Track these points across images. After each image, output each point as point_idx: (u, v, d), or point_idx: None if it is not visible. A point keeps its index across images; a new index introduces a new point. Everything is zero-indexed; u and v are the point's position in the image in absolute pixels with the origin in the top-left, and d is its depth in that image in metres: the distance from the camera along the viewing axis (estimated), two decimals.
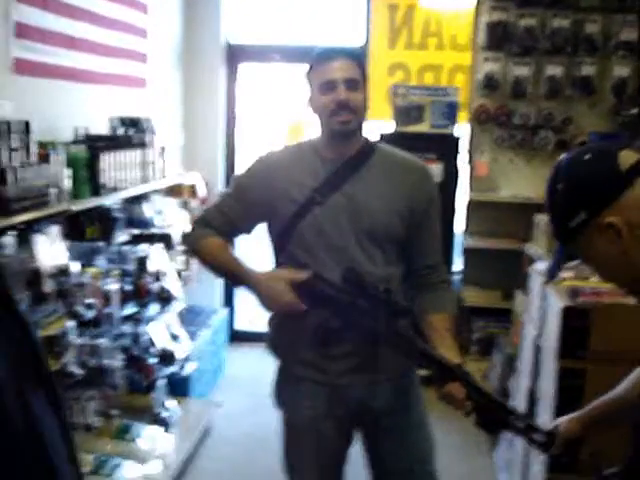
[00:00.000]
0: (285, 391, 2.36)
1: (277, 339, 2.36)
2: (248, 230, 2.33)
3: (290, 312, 2.12)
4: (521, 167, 5.20)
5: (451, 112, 5.02)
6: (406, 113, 5.01)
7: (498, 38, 5.04)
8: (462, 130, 5.18)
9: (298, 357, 2.27)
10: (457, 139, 5.07)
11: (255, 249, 5.09)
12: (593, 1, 4.91)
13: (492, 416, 1.95)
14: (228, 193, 2.33)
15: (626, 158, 1.43)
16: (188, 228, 2.40)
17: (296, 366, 2.29)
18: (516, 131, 5.12)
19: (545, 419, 3.04)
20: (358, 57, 2.24)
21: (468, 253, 5.27)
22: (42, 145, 2.77)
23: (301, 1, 5.75)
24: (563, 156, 1.55)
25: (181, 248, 4.37)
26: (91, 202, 3.08)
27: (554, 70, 5.00)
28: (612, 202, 1.41)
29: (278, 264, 2.30)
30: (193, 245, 2.30)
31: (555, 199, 1.51)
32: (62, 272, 2.83)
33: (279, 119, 6.24)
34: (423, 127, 5.01)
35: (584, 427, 1.92)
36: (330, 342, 2.19)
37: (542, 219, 4.38)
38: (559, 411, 2.89)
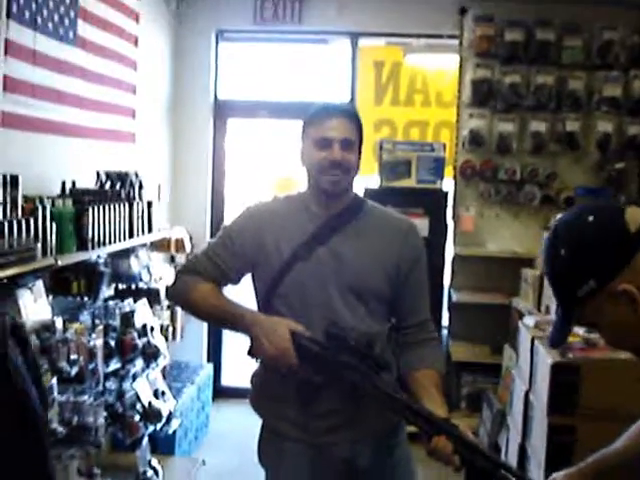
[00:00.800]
0: (268, 450, 2.31)
1: (260, 397, 2.33)
2: (236, 280, 2.30)
3: (283, 362, 2.06)
4: (507, 222, 5.22)
5: (437, 167, 5.05)
6: (392, 168, 5.04)
7: (483, 95, 5.11)
8: (448, 185, 5.22)
9: (281, 415, 2.23)
10: (445, 193, 5.10)
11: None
12: (576, 58, 5.00)
13: (482, 471, 1.87)
14: (216, 242, 2.29)
15: (634, 217, 1.34)
16: (172, 279, 2.34)
17: (279, 424, 2.24)
18: (502, 186, 5.16)
19: (536, 476, 2.99)
20: (357, 117, 2.24)
21: (455, 308, 5.25)
22: (28, 199, 2.75)
23: (288, 58, 5.83)
24: (560, 217, 1.47)
25: (166, 303, 4.34)
26: (77, 257, 3.05)
27: (539, 126, 5.06)
28: (624, 267, 1.32)
29: None
30: (184, 294, 2.24)
31: (558, 266, 1.39)
32: (46, 328, 2.78)
33: (267, 174, 6.26)
34: (409, 182, 5.04)
35: None
36: (313, 400, 2.15)
37: (529, 273, 4.39)
38: (549, 467, 2.85)
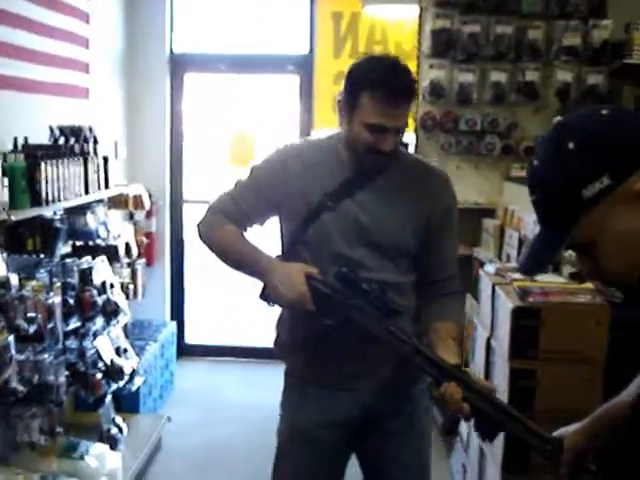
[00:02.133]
0: (290, 396, 2.34)
1: (283, 342, 2.33)
2: (261, 222, 2.27)
3: (300, 307, 2.04)
4: (468, 172, 5.22)
5: None
6: None
7: (442, 45, 5.06)
8: (409, 137, 5.19)
9: (303, 361, 2.25)
10: (406, 145, 5.07)
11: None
12: (535, 7, 4.97)
13: (492, 420, 1.81)
14: (244, 183, 2.24)
15: None
16: (202, 216, 2.32)
17: (301, 369, 2.27)
18: (462, 137, 5.14)
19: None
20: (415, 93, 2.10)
21: None
22: None
23: (246, 10, 5.71)
24: (561, 118, 1.30)
25: (126, 261, 4.29)
26: (31, 212, 2.99)
27: (498, 76, 5.03)
28: None
29: None
30: (208, 233, 2.26)
31: (563, 163, 1.20)
32: (1, 285, 2.73)
33: (225, 130, 6.17)
34: None
35: (588, 439, 1.70)
36: (332, 345, 2.14)
37: (490, 223, 4.41)
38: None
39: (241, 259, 2.20)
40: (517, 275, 3.23)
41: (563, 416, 2.84)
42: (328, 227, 2.12)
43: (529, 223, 3.71)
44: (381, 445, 2.29)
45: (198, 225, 2.33)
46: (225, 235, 2.21)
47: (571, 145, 1.18)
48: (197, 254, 6.17)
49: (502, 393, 2.97)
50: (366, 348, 2.11)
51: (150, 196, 5.00)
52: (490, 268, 3.49)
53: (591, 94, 4.97)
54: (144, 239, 4.88)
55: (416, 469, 2.34)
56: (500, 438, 2.97)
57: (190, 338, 6.02)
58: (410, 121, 5.22)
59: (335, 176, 2.13)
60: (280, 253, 2.25)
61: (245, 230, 2.25)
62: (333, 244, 2.12)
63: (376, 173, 2.13)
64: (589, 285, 3.07)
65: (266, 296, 2.15)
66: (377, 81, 1.99)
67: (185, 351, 5.83)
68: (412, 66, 5.13)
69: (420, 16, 5.14)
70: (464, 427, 3.79)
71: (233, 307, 7.21)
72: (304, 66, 5.61)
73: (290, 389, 2.35)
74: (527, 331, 2.84)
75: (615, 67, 4.91)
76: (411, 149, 5.15)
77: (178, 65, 5.63)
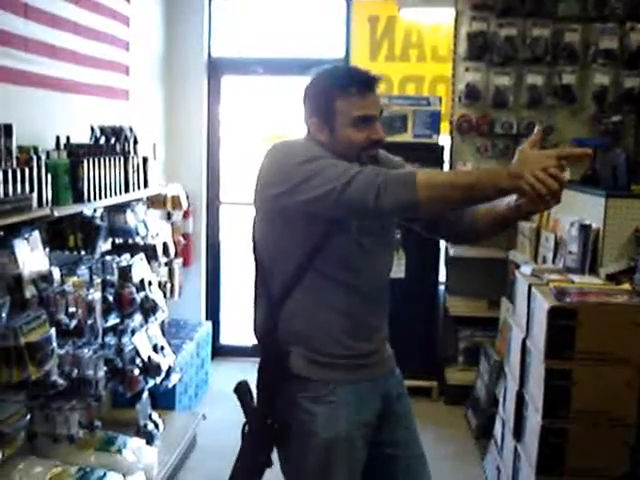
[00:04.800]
0: (312, 406, 2.16)
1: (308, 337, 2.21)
2: None
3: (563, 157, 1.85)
4: None
5: (434, 122, 5.03)
6: (389, 123, 5.00)
7: (478, 48, 5.08)
8: (444, 140, 5.19)
9: (328, 353, 2.17)
10: (441, 148, 5.09)
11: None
12: (572, 10, 4.96)
13: None
14: (320, 164, 1.99)
15: None
16: (377, 190, 1.90)
17: (327, 362, 2.16)
18: (498, 140, 5.14)
19: (534, 421, 3.02)
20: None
21: (452, 263, 5.26)
22: (23, 150, 2.73)
23: (282, 14, 5.77)
24: None
25: (164, 260, 4.34)
26: (73, 208, 3.05)
27: (535, 79, 5.03)
28: None
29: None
30: (414, 188, 1.88)
31: None
32: (43, 279, 2.78)
33: (260, 131, 6.23)
34: (406, 137, 5.03)
35: None
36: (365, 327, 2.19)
37: (526, 226, 4.39)
38: (547, 413, 2.89)
39: (472, 183, 1.90)
40: (554, 276, 3.23)
41: (599, 417, 2.85)
42: (355, 234, 2.10)
43: (565, 225, 3.69)
44: (392, 432, 2.27)
45: (379, 198, 1.91)
46: (428, 175, 1.92)
47: None
48: (233, 255, 6.24)
49: (538, 394, 2.97)
50: (383, 335, 2.24)
51: (187, 197, 5.06)
52: (526, 269, 3.49)
53: (628, 98, 4.95)
54: (181, 239, 4.94)
55: (422, 449, 2.33)
56: (534, 441, 2.98)
57: (225, 339, 6.08)
58: (446, 124, 5.25)
59: None
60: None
61: None
62: (364, 249, 2.11)
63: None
64: (626, 286, 3.05)
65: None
66: (344, 81, 2.06)
67: (220, 351, 5.88)
68: (448, 69, 5.20)
69: (456, 19, 5.17)
70: (498, 429, 3.78)
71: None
72: None
73: (309, 401, 2.15)
74: (563, 331, 2.84)
75: None
76: (447, 152, 5.16)
77: (216, 68, 5.70)
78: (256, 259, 2.23)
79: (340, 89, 2.06)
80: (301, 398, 2.14)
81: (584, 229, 3.47)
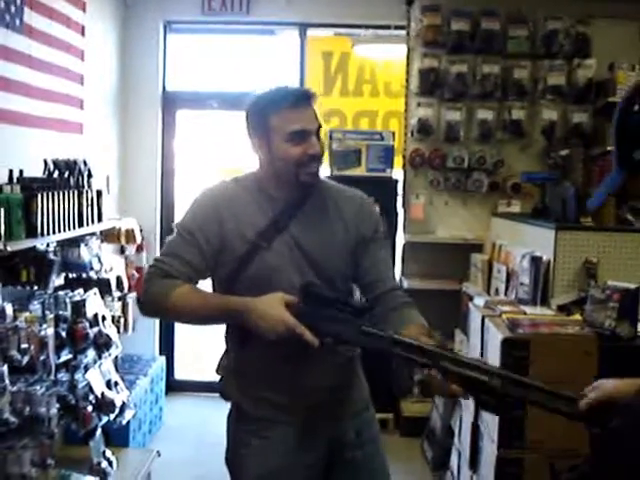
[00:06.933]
0: (245, 437, 2.19)
1: (235, 384, 2.23)
2: (208, 275, 2.17)
3: (292, 334, 1.88)
4: (456, 209, 5.29)
5: (387, 156, 5.11)
6: (343, 157, 5.07)
7: (430, 84, 5.18)
8: (398, 174, 5.27)
9: (261, 397, 2.16)
10: (395, 182, 5.16)
11: None
12: (521, 47, 5.10)
13: (494, 391, 1.67)
14: (177, 241, 2.11)
15: None
16: (142, 291, 2.10)
17: (261, 408, 2.16)
18: (450, 174, 5.22)
19: (490, 451, 3.05)
20: (314, 96, 2.13)
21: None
22: None
23: (237, 49, 5.82)
24: None
25: (117, 294, 4.30)
26: (26, 243, 3.02)
27: (485, 114, 5.14)
28: None
29: None
30: (162, 302, 2.02)
31: (627, 120, 1.32)
32: None
33: (215, 165, 6.25)
34: (360, 171, 5.08)
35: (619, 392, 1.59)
36: (302, 373, 2.10)
37: (478, 258, 4.46)
38: (502, 443, 2.92)
39: (211, 314, 2.03)
40: (506, 307, 3.28)
41: (553, 447, 2.88)
42: (266, 265, 2.08)
43: (517, 257, 3.76)
44: (348, 475, 2.23)
45: (141, 301, 2.14)
46: (183, 295, 2.02)
47: (636, 108, 1.29)
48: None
49: (492, 424, 3.00)
50: (332, 379, 2.14)
51: (141, 230, 5.03)
52: (479, 301, 3.54)
53: (576, 132, 5.09)
54: (135, 273, 4.90)
55: None
56: (490, 472, 3.00)
57: (179, 373, 6.01)
58: (399, 159, 5.33)
59: (266, 212, 2.11)
60: None
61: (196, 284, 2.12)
62: (273, 280, 2.06)
63: (310, 186, 2.12)
64: (577, 317, 3.12)
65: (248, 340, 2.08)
66: (277, 98, 2.06)
67: (174, 386, 5.81)
68: (400, 104, 5.29)
69: (408, 56, 5.27)
70: (454, 460, 3.80)
71: (221, 343, 7.19)
72: None
73: (245, 432, 2.19)
74: (517, 362, 2.88)
75: (599, 106, 5.03)
76: (400, 185, 5.23)
77: (170, 102, 5.71)
78: None
79: (273, 105, 2.06)
80: (240, 429, 2.20)
81: (535, 261, 3.54)
